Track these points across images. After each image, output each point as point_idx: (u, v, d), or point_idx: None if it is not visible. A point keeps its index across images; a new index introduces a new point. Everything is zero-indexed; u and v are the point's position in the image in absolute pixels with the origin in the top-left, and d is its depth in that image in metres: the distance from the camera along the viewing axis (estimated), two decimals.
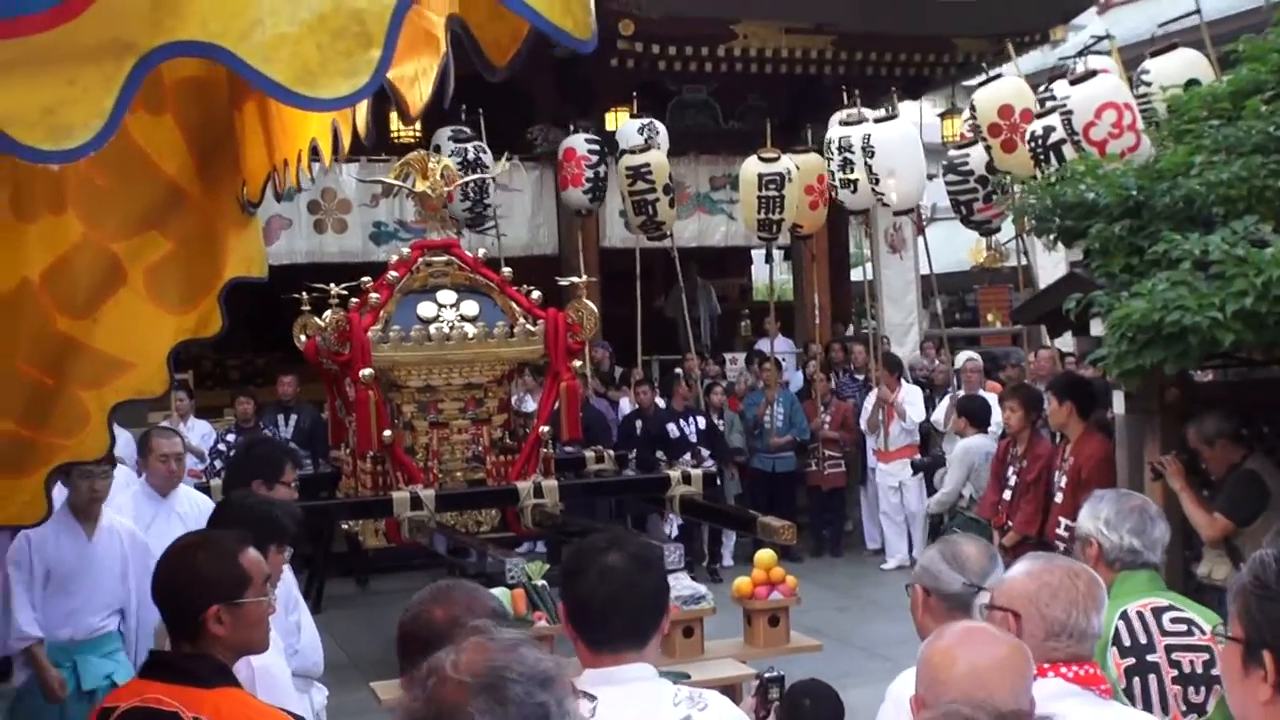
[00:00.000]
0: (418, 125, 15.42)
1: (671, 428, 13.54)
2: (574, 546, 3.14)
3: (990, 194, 12.71)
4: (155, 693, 3.22)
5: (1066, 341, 13.82)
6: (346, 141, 2.98)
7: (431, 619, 2.86)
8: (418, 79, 2.65)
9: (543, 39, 2.47)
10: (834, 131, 14.03)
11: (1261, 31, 7.82)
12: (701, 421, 13.77)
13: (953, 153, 13.69)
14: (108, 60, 2.20)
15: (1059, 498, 8.43)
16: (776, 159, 14.17)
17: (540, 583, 7.59)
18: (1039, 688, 2.70)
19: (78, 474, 6.22)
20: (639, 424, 13.71)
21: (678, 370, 15.06)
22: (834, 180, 13.98)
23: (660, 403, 14.34)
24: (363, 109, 2.77)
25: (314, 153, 3.19)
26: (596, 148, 14.87)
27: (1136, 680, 3.78)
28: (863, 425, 14.21)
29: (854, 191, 13.79)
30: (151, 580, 3.45)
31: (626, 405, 14.58)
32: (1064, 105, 10.47)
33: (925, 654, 2.63)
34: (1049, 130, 10.85)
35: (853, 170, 13.64)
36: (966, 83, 18.65)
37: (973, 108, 12.85)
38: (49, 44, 2.17)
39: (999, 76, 13.03)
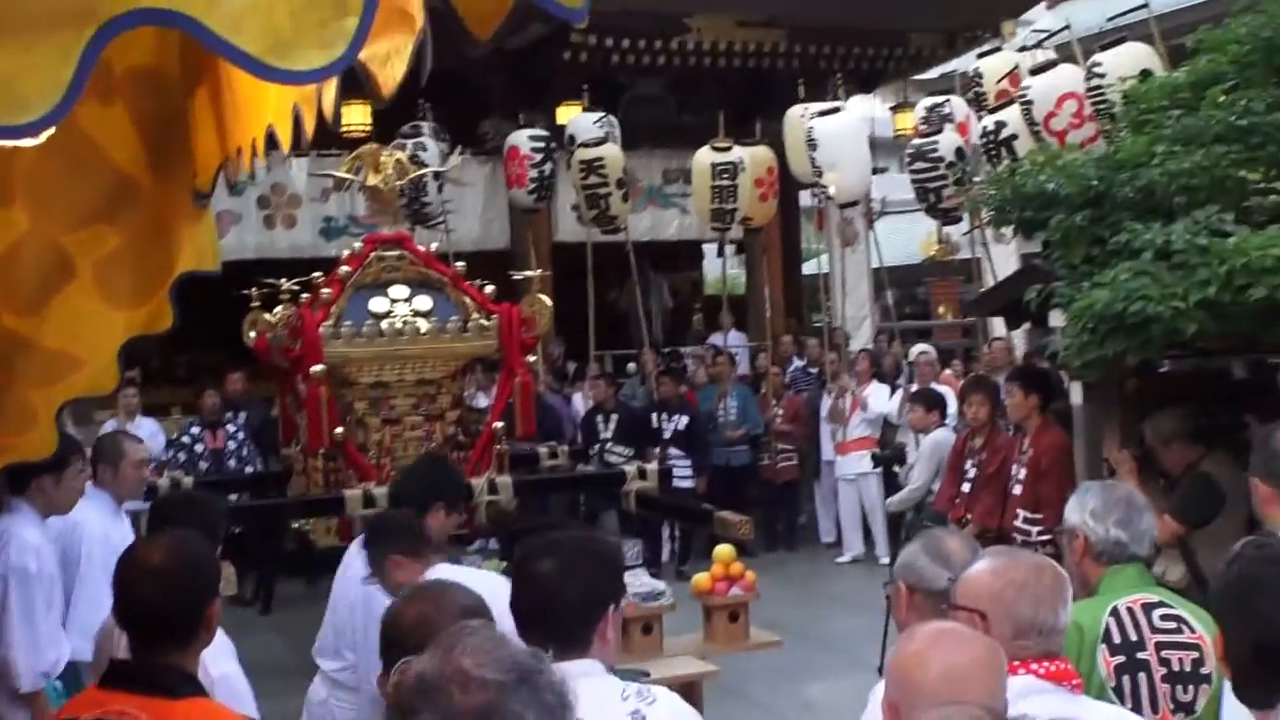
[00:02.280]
0: (368, 119, 15.28)
1: (653, 416, 13.61)
2: (517, 550, 3.12)
3: (960, 179, 12.65)
4: (119, 704, 3.03)
5: (1017, 334, 13.89)
6: (310, 126, 2.86)
7: (401, 620, 2.81)
8: (390, 58, 2.53)
9: (532, 10, 2.37)
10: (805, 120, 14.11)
11: (1218, 23, 7.83)
12: (683, 421, 13.64)
13: (918, 140, 13.72)
14: (66, 28, 2.06)
15: (1017, 489, 8.39)
16: (729, 149, 14.27)
17: None
18: (1009, 686, 2.65)
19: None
20: (599, 418, 13.49)
21: (648, 364, 14.99)
22: (815, 164, 13.93)
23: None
24: (330, 91, 2.65)
25: (269, 140, 3.07)
26: (541, 145, 14.84)
27: (1126, 678, 3.71)
28: (823, 416, 14.15)
29: None
30: (140, 583, 3.12)
31: (579, 401, 14.45)
32: (1024, 95, 10.47)
33: (897, 657, 2.56)
34: (1000, 125, 10.86)
35: None
36: (918, 76, 18.77)
37: (976, 77, 13.06)
38: (2, 10, 2.05)
39: (997, 50, 13.30)
